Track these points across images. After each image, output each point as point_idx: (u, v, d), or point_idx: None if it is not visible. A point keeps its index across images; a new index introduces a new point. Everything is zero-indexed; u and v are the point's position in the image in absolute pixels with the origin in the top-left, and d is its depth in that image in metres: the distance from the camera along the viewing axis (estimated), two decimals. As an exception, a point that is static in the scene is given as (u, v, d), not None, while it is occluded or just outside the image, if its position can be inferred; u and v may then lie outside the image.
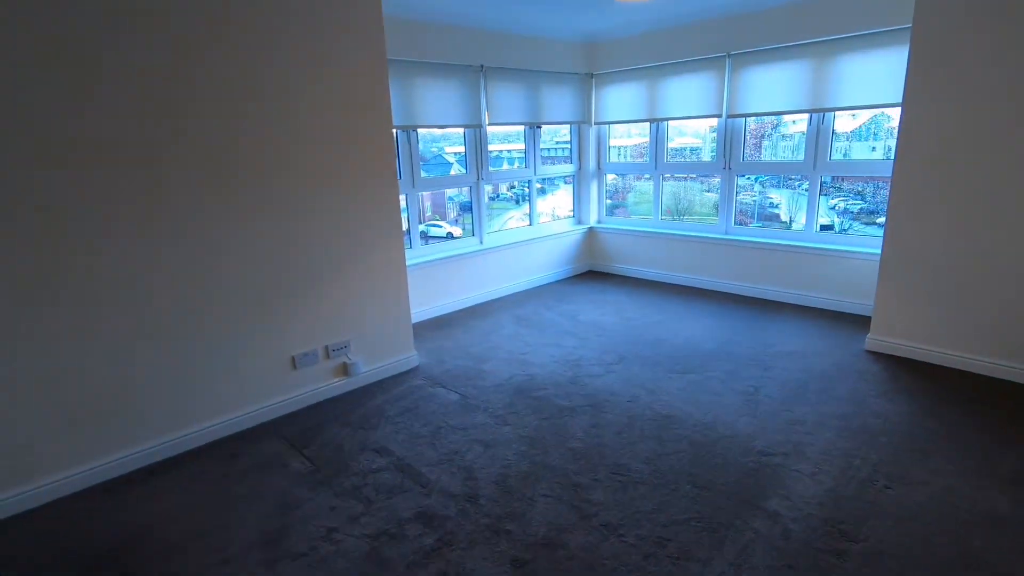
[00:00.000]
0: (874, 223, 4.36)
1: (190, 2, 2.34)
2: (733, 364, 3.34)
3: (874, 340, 3.44)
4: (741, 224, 4.87)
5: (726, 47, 4.36)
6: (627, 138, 5.65)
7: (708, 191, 5.31)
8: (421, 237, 4.91)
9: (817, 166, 4.22)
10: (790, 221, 4.83)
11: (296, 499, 2.25)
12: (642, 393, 3.02)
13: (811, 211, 4.36)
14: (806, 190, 4.78)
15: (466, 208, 4.99)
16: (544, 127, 5.31)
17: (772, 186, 4.96)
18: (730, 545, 1.91)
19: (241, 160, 2.59)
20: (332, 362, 3.11)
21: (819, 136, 4.17)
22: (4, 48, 1.99)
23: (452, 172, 4.78)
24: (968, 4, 2.75)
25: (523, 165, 5.20)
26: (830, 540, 1.92)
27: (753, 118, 4.59)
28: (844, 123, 4.25)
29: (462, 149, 4.74)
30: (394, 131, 4.10)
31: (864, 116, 4.21)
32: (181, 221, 2.47)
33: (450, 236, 4.93)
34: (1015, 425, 2.56)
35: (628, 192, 5.87)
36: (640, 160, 5.46)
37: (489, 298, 4.87)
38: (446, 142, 4.86)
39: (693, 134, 5.29)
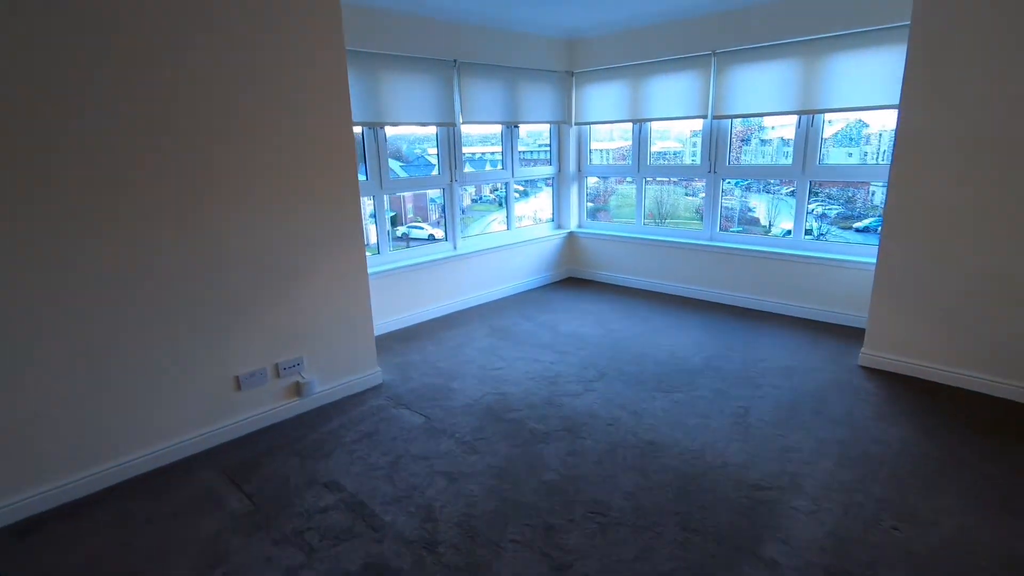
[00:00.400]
0: (851, 228, 4.24)
1: (109, -26, 2.03)
2: (721, 381, 3.11)
3: (868, 355, 3.24)
4: (724, 230, 4.67)
5: (711, 45, 4.15)
6: (609, 141, 5.42)
7: (689, 195, 5.13)
8: (403, 239, 4.68)
9: (806, 170, 4.03)
10: (769, 225, 4.67)
11: (226, 548, 1.95)
12: (624, 415, 2.77)
13: (799, 217, 4.17)
14: (785, 195, 4.65)
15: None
16: (524, 128, 5.07)
17: (751, 191, 4.79)
18: (723, 603, 1.67)
19: (175, 160, 2.29)
20: (283, 382, 2.81)
21: (808, 139, 3.99)
22: None
23: (434, 173, 4.49)
24: (972, -2, 2.57)
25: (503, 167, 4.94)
26: (836, 595, 1.68)
27: (739, 120, 4.40)
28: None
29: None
30: (359, 129, 3.82)
31: (841, 122, 4.04)
32: (102, 221, 2.16)
33: (432, 238, 4.69)
34: (1024, 452, 2.37)
35: (610, 195, 5.65)
36: (622, 163, 5.23)
37: (463, 307, 4.60)
38: (429, 143, 4.59)
39: (676, 138, 5.09)
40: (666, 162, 5.07)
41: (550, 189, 5.44)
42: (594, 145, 5.40)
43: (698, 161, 4.63)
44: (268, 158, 2.55)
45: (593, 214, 5.62)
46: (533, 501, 2.15)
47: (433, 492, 2.22)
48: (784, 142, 4.40)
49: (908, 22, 3.12)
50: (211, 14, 2.28)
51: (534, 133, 5.31)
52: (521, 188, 5.36)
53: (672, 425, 2.67)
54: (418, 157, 4.62)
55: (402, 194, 4.58)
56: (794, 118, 4.00)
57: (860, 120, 3.95)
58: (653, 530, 1.97)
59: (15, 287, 2.01)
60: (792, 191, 4.53)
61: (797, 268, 4.09)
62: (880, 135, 3.99)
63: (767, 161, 4.51)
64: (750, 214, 4.84)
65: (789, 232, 4.29)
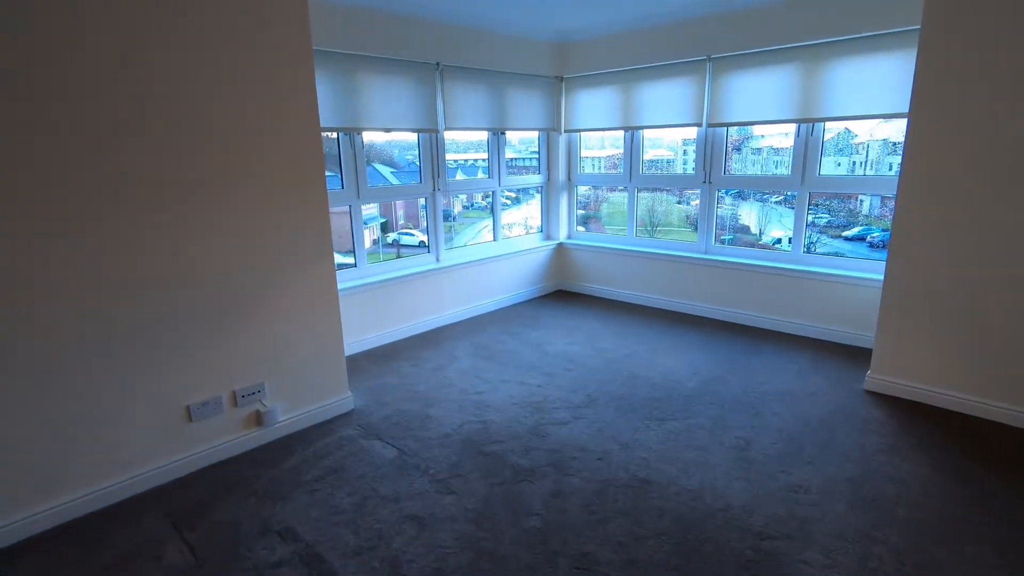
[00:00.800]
0: (840, 236, 4.10)
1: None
2: (719, 408, 2.89)
3: (875, 379, 3.04)
4: (719, 240, 4.47)
5: (707, 50, 3.96)
6: (600, 149, 5.22)
7: (679, 203, 4.94)
8: (393, 245, 4.52)
9: (806, 181, 3.84)
10: (760, 234, 4.52)
11: (158, 614, 1.70)
12: (615, 448, 2.54)
13: (798, 231, 3.97)
14: (775, 203, 4.48)
15: (443, 216, 4.56)
16: (515, 135, 4.86)
17: (741, 200, 4.61)
18: None
19: (120, 166, 2.04)
20: (241, 411, 2.55)
21: (807, 149, 3.80)
22: None
23: (414, 183, 4.26)
24: (988, -1, 2.39)
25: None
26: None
27: (735, 128, 4.21)
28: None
29: (451, 156, 4.24)
30: (335, 134, 3.59)
31: (831, 131, 3.87)
32: (34, 236, 1.90)
33: (423, 244, 4.48)
34: (1052, 492, 2.16)
35: (601, 203, 5.44)
36: (614, 172, 5.03)
37: (446, 322, 4.36)
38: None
39: (667, 146, 4.89)
40: (659, 171, 4.87)
41: (540, 197, 5.23)
42: (584, 153, 5.20)
43: (691, 170, 4.44)
44: (218, 165, 2.31)
45: (584, 221, 5.40)
46: (513, 553, 1.91)
47: (401, 542, 1.97)
48: (775, 151, 4.25)
49: (916, 26, 2.95)
50: (179, 21, 2.05)
51: (526, 140, 5.10)
52: (513, 195, 5.15)
53: (667, 459, 2.44)
54: (409, 163, 4.42)
55: (394, 201, 4.37)
56: (787, 127, 3.82)
57: (847, 129, 3.79)
58: (648, 591, 1.74)
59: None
60: (781, 200, 4.39)
61: (797, 284, 3.89)
62: (868, 145, 3.85)
63: (757, 171, 4.33)
64: (740, 222, 4.68)
65: (779, 241, 4.11)
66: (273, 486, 2.32)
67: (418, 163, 4.20)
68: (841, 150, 3.99)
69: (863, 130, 3.82)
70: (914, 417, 2.77)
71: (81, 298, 2.04)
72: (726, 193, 4.57)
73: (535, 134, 5.00)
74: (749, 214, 4.64)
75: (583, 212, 5.40)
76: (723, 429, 2.69)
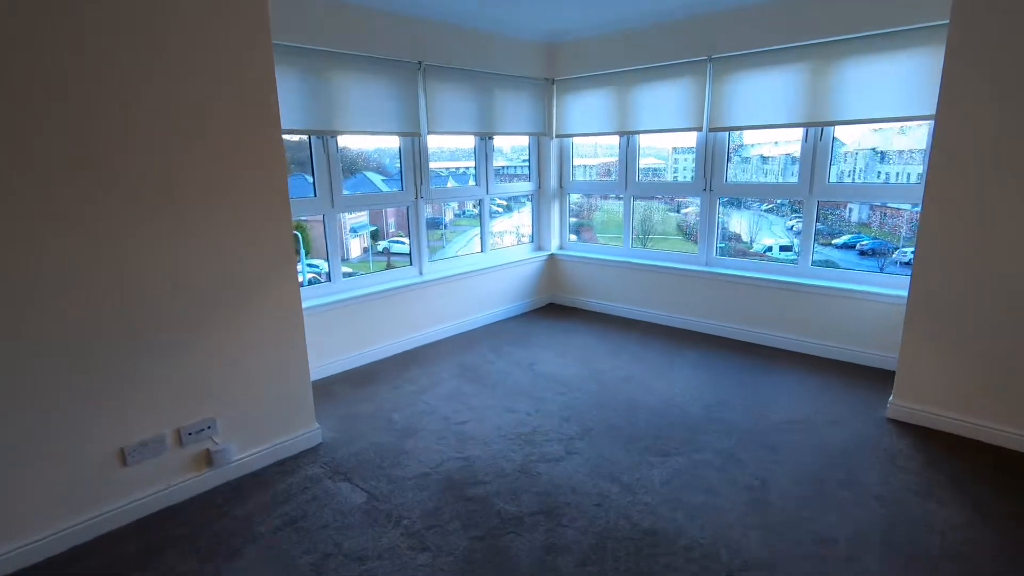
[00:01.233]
0: (830, 244, 3.91)
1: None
2: (728, 439, 2.61)
3: (898, 407, 2.77)
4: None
5: (708, 50, 3.72)
6: (593, 157, 4.96)
7: (671, 211, 4.70)
8: (383, 253, 4.31)
9: (814, 190, 3.59)
10: (751, 241, 4.33)
11: None
12: (614, 490, 2.24)
13: (806, 242, 3.72)
14: (764, 211, 4.26)
15: (433, 224, 4.39)
16: (505, 141, 4.60)
17: (734, 208, 4.37)
18: None
19: (42, 170, 1.74)
20: (187, 450, 2.24)
21: (816, 155, 3.55)
22: None
23: (389, 189, 3.98)
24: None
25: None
26: None
27: (737, 133, 3.96)
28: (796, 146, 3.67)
29: (442, 164, 3.99)
30: (305, 137, 3.29)
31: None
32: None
33: None
34: (1114, 544, 1.89)
35: (595, 211, 5.16)
36: (607, 179, 4.76)
37: (430, 340, 4.05)
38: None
39: (656, 155, 4.62)
40: (656, 178, 4.61)
41: (531, 206, 4.95)
42: (577, 161, 4.93)
43: (682, 179, 4.18)
44: (165, 170, 2.01)
45: (576, 230, 5.13)
46: (496, 630, 1.61)
47: (363, 616, 1.67)
48: (763, 159, 4.11)
49: (937, 22, 2.72)
50: (119, 11, 1.75)
51: (517, 148, 4.83)
52: (504, 202, 4.87)
53: (673, 504, 2.15)
54: (399, 171, 4.14)
55: (384, 209, 4.12)
56: (779, 135, 3.57)
57: (836, 138, 3.56)
58: None
59: None
60: (771, 208, 4.20)
61: (807, 299, 3.62)
62: (856, 154, 3.69)
63: (748, 178, 4.08)
64: (730, 230, 4.45)
65: (769, 249, 3.88)
66: (221, 539, 2.01)
67: (400, 169, 3.91)
68: (831, 160, 3.78)
69: (851, 139, 3.63)
70: (943, 450, 2.49)
71: (-14, 326, 1.72)
72: (720, 201, 4.34)
73: (526, 140, 4.73)
74: (740, 222, 4.43)
75: (575, 220, 5.13)
76: (734, 465, 2.40)
